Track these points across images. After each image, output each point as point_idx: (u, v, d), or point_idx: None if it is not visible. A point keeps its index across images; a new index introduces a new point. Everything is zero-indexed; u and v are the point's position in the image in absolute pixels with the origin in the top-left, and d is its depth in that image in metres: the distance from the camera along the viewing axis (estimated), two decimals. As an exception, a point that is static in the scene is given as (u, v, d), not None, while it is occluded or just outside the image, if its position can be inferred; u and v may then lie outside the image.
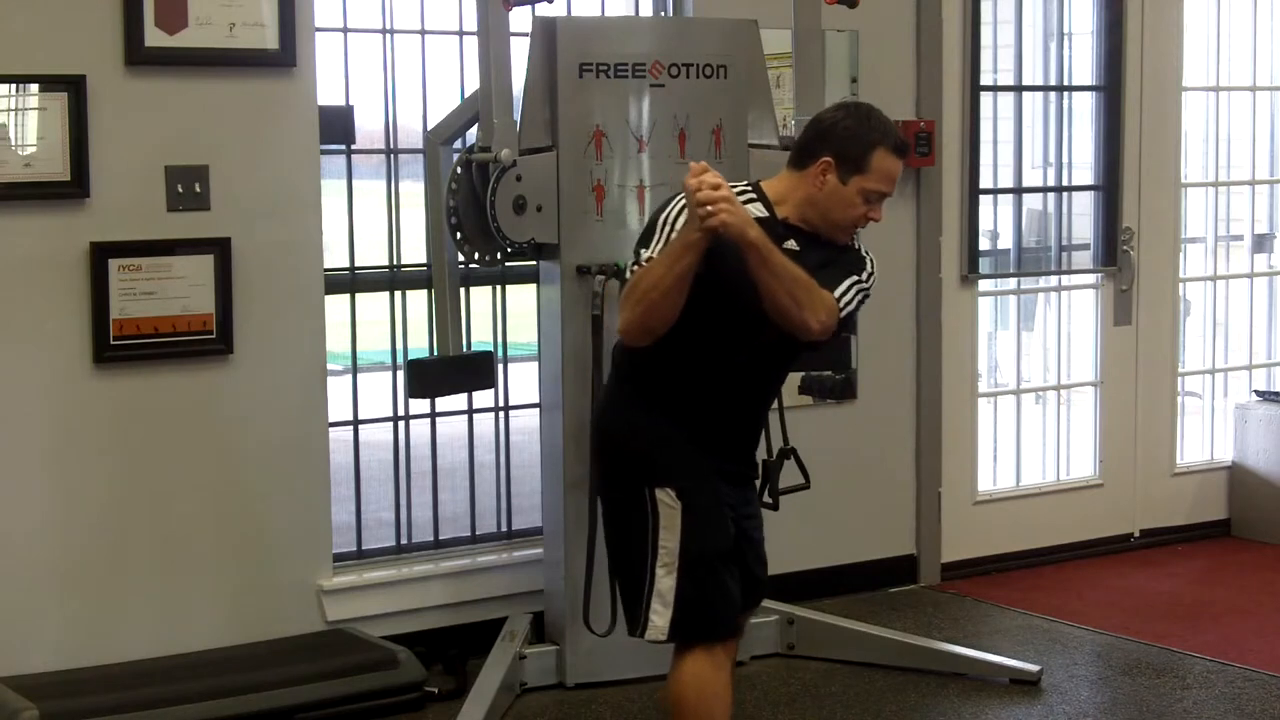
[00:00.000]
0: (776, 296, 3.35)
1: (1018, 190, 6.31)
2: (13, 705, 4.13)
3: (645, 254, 3.44)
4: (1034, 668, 4.96)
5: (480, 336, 5.30)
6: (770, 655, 5.07)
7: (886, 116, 3.57)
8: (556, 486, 4.83)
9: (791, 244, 3.49)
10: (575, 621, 4.70)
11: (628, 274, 3.47)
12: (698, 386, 3.54)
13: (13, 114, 4.43)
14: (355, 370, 5.11)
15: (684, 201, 3.39)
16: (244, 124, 4.70)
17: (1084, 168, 6.45)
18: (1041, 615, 5.62)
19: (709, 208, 3.25)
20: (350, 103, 5.02)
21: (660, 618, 3.53)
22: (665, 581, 3.52)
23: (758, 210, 3.50)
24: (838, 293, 3.48)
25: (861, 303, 3.58)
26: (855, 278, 3.55)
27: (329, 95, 4.91)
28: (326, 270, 4.92)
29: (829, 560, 5.69)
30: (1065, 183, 6.46)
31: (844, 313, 3.51)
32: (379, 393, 5.25)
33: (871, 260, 3.63)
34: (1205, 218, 6.84)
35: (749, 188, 3.59)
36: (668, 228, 3.45)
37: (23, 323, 4.47)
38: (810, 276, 3.39)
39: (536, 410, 5.05)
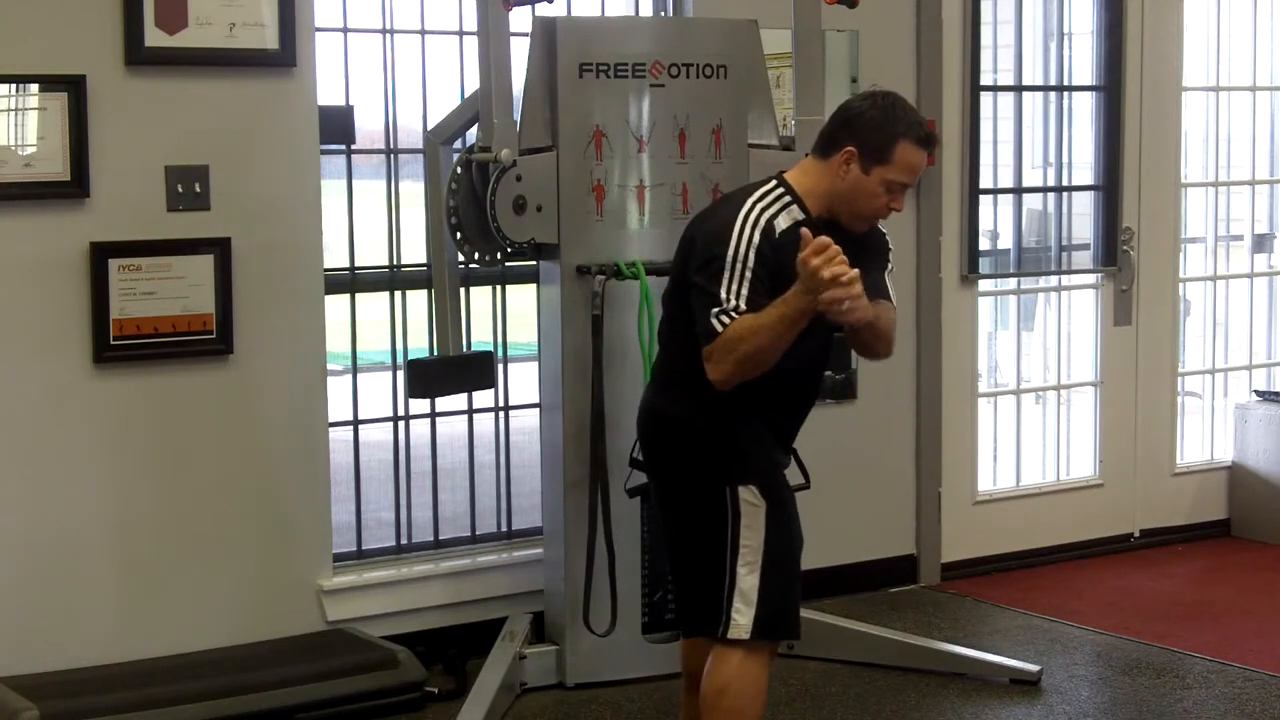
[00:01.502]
0: (876, 344, 3.57)
1: (1018, 190, 6.30)
2: (13, 705, 4.13)
3: (726, 299, 3.37)
4: (1034, 668, 4.96)
5: (480, 336, 5.30)
6: (770, 655, 5.07)
7: (913, 107, 3.59)
8: (556, 486, 4.83)
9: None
10: (575, 621, 4.71)
11: (713, 322, 3.37)
12: (769, 384, 3.50)
13: (13, 114, 4.43)
14: (355, 370, 5.11)
15: (751, 235, 3.40)
16: (244, 124, 4.70)
17: (1084, 168, 6.45)
18: (1041, 615, 5.61)
19: (847, 304, 3.26)
20: (350, 103, 5.02)
21: (743, 616, 3.51)
22: (748, 580, 3.51)
23: (797, 214, 3.49)
24: (890, 293, 3.61)
25: None
26: (889, 265, 3.67)
27: (329, 95, 4.91)
28: (326, 270, 4.92)
29: (829, 560, 5.67)
30: (1065, 183, 6.46)
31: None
32: (379, 393, 5.25)
33: (886, 235, 3.72)
34: (1205, 218, 6.84)
35: (781, 189, 3.54)
36: (740, 266, 3.39)
37: (23, 323, 4.47)
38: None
39: (536, 410, 5.05)
